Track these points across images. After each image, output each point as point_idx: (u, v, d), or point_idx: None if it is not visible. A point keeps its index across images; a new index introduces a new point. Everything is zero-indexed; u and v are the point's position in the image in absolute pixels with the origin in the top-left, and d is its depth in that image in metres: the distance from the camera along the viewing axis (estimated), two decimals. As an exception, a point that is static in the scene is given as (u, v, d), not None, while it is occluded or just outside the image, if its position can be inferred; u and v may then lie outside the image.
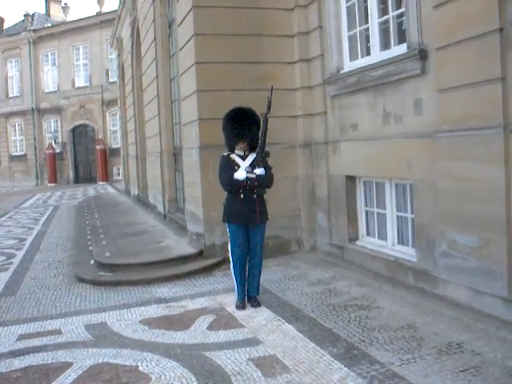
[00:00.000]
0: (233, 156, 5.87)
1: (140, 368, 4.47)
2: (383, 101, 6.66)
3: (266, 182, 5.82)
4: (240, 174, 5.70)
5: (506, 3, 4.77)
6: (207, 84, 8.17)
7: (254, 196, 5.78)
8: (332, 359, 4.41)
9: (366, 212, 7.58)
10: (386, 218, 7.02)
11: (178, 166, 11.49)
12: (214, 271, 7.74)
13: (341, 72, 7.64)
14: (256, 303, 5.96)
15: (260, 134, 5.77)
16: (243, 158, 5.85)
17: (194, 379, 4.19)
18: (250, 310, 5.83)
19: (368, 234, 7.56)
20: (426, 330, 4.94)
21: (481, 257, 5.16)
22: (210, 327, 5.40)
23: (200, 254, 8.23)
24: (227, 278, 7.23)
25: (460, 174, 5.34)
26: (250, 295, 6.01)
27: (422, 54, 5.86)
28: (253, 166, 5.74)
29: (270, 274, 7.26)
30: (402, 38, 6.50)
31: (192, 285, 7.15)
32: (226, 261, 7.85)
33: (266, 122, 5.76)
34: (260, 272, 6.07)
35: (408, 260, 6.37)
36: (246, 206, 5.75)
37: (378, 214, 7.29)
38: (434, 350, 4.49)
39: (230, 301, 6.17)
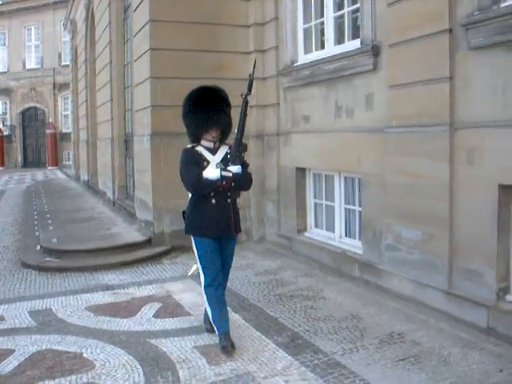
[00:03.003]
0: (199, 149, 4.48)
1: (84, 355, 4.43)
2: (335, 94, 6.74)
3: (245, 182, 4.53)
4: (212, 173, 4.32)
5: (456, 5, 4.89)
6: (161, 71, 8.11)
7: (229, 201, 4.50)
8: (277, 348, 4.47)
9: (315, 204, 7.67)
10: (335, 211, 7.12)
11: (128, 152, 11.38)
12: (163, 259, 7.73)
13: (295, 64, 7.69)
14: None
15: (238, 121, 4.45)
16: (212, 151, 4.50)
17: (138, 366, 4.18)
18: (197, 298, 5.83)
19: (316, 226, 7.65)
20: (369, 321, 5.06)
21: (424, 251, 5.31)
22: (157, 315, 5.39)
23: (148, 242, 8.20)
24: (175, 266, 7.27)
25: (407, 170, 5.46)
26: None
27: (375, 50, 5.96)
28: (225, 161, 4.43)
29: None
30: (356, 33, 6.59)
31: (140, 272, 7.12)
32: (174, 249, 7.93)
33: (245, 105, 4.45)
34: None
35: (354, 252, 6.49)
36: (218, 214, 4.44)
37: (326, 206, 7.38)
38: (376, 339, 4.61)
39: (177, 289, 6.19)
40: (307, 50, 7.67)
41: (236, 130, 4.45)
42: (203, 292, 4.58)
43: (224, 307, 4.59)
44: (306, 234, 7.66)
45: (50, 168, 33.30)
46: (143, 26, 8.42)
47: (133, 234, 8.80)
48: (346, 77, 6.49)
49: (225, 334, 4.48)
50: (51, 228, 9.82)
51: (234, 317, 5.25)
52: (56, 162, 34.10)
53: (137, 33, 8.93)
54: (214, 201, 4.43)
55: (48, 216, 11.35)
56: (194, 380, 3.93)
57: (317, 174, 7.59)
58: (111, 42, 12.17)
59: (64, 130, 34.40)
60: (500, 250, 4.62)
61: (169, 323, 5.14)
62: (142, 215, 8.99)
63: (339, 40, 6.98)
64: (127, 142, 11.62)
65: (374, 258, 6.06)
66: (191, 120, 4.47)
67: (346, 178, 6.93)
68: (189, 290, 6.19)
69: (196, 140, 4.53)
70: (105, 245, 8.18)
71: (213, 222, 4.44)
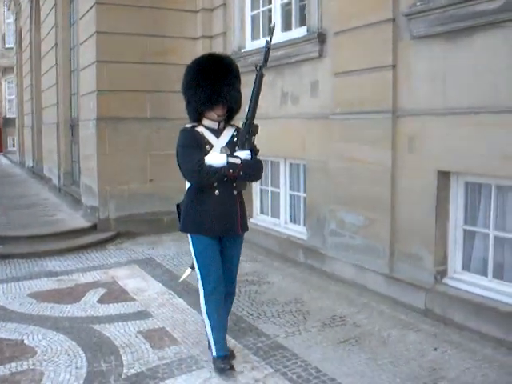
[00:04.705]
0: (201, 130, 3.74)
1: (26, 342, 4.37)
2: (282, 81, 6.78)
3: (254, 171, 3.84)
4: (216, 159, 3.62)
5: (400, -5, 4.99)
6: (107, 55, 8.01)
7: (234, 193, 3.80)
8: (220, 332, 4.50)
9: (261, 190, 7.71)
10: (280, 197, 7.18)
11: (74, 137, 11.19)
12: (108, 245, 7.68)
13: (242, 51, 7.69)
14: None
15: (250, 98, 3.77)
16: (216, 133, 3.79)
17: (81, 352, 4.15)
18: (141, 283, 5.84)
19: (262, 212, 7.70)
20: (312, 305, 5.14)
21: (366, 235, 5.42)
22: (101, 300, 5.36)
23: (94, 228, 8.13)
24: (120, 252, 7.23)
25: (350, 156, 5.56)
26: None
27: (321, 38, 6.02)
28: (231, 145, 3.77)
29: (164, 249, 7.36)
30: (303, 20, 6.64)
31: (84, 258, 7.04)
32: (120, 235, 7.90)
33: (260, 79, 3.77)
34: (231, 306, 4.16)
35: (299, 238, 6.58)
36: (222, 209, 3.74)
37: (272, 192, 7.43)
38: (319, 322, 4.70)
39: (122, 274, 6.17)
40: (255, 37, 7.69)
41: (247, 109, 3.74)
42: (202, 303, 3.85)
43: (226, 322, 4.01)
44: (252, 220, 7.67)
45: (-7, 154, 32.42)
46: (89, 9, 8.27)
47: (78, 220, 8.68)
48: (292, 64, 6.54)
49: (224, 358, 3.80)
50: (-7, 214, 9.60)
51: (178, 301, 5.29)
52: (0, 147, 33.21)
53: (83, 15, 8.78)
54: (217, 192, 3.71)
55: (-10, 202, 11.08)
56: (138, 364, 3.93)
57: (263, 161, 7.56)
58: (57, 24, 11.90)
59: (8, 115, 33.43)
60: (438, 235, 4.76)
61: (113, 308, 5.12)
62: (87, 201, 8.87)
63: (286, 27, 7.02)
64: (73, 127, 11.42)
65: (318, 243, 6.16)
66: (194, 93, 3.68)
67: (291, 165, 7.00)
68: (134, 275, 6.18)
69: (197, 119, 3.78)
70: (49, 231, 8.04)
71: (215, 218, 3.73)
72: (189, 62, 3.79)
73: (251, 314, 4.89)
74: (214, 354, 3.81)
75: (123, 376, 3.75)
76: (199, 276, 3.81)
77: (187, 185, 3.85)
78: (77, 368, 3.89)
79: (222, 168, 3.60)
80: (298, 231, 6.72)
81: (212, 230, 3.74)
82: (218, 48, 8.18)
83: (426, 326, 4.56)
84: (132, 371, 3.82)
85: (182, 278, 4.23)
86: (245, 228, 3.92)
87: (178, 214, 3.94)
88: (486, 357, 3.97)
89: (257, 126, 3.78)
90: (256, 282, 5.84)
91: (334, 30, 5.80)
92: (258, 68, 3.76)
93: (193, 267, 3.99)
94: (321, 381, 3.64)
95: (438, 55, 4.66)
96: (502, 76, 4.12)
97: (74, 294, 5.56)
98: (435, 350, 4.10)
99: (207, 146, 3.69)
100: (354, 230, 5.56)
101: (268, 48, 3.78)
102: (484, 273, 4.57)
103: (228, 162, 3.61)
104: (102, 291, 5.63)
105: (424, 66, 4.81)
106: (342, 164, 5.69)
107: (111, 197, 8.05)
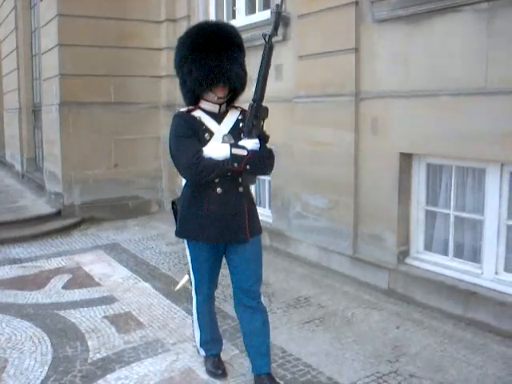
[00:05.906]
0: (199, 114, 3.11)
1: (-12, 330, 4.33)
2: (247, 65, 6.74)
3: (264, 163, 3.08)
4: (218, 150, 2.96)
5: (362, -22, 5.01)
6: (69, 38, 7.87)
7: (240, 190, 3.14)
8: (186, 315, 4.52)
9: (226, 174, 7.69)
10: (246, 181, 7.19)
11: (37, 123, 11.03)
12: (73, 231, 7.60)
13: (206, 34, 7.64)
14: None
15: (258, 74, 3.11)
16: (217, 117, 3.13)
17: (46, 338, 4.13)
18: (107, 269, 5.82)
19: (228, 196, 7.70)
20: (277, 287, 5.19)
21: (330, 218, 5.48)
22: (66, 286, 5.32)
23: (58, 214, 8.03)
24: (85, 238, 7.17)
25: (314, 139, 5.60)
26: (257, 372, 3.32)
27: (285, 21, 6.01)
28: (235, 132, 3.09)
29: (130, 234, 7.33)
30: (266, 3, 6.63)
31: (49, 245, 6.97)
32: (84, 221, 7.84)
33: (269, 51, 3.05)
34: (268, 327, 3.37)
35: (265, 221, 6.57)
36: (225, 210, 3.09)
37: (238, 176, 7.43)
38: (284, 304, 4.75)
39: (87, 260, 6.13)
40: (219, 20, 7.63)
41: (254, 88, 3.10)
42: (194, 310, 3.52)
43: (217, 327, 3.66)
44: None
45: (-47, 140, 31.69)
46: (50, -9, 8.13)
47: (42, 207, 8.57)
48: (257, 47, 6.43)
49: (214, 357, 3.57)
50: (-46, 202, 9.41)
51: (144, 286, 5.29)
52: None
53: (43, -3, 8.62)
54: (219, 189, 3.06)
55: (-49, 190, 10.86)
56: (104, 348, 3.93)
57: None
58: (16, 6, 11.67)
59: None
60: (401, 216, 4.84)
61: (78, 294, 5.09)
62: (51, 187, 8.77)
63: (250, 10, 7.00)
64: (35, 112, 11.25)
65: (283, 226, 6.21)
66: (189, 72, 3.05)
67: (256, 148, 6.99)
68: (99, 260, 6.16)
69: (194, 102, 3.17)
70: (12, 218, 7.92)
71: (217, 222, 3.09)
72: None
73: (217, 297, 4.79)
74: (203, 353, 3.59)
75: (89, 361, 3.74)
76: (193, 284, 3.44)
77: (183, 180, 3.24)
78: (42, 354, 3.87)
79: (224, 161, 2.94)
80: (264, 214, 6.72)
81: (212, 236, 3.13)
82: (182, 31, 8.04)
83: (389, 305, 4.66)
84: (98, 356, 3.82)
85: (178, 286, 3.96)
86: (255, 231, 3.25)
87: (174, 212, 3.38)
88: (446, 333, 4.09)
89: (266, 109, 3.10)
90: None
91: (297, 13, 5.81)
92: (266, 38, 3.01)
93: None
94: (286, 361, 3.70)
95: (400, 38, 4.71)
96: (458, 59, 4.19)
97: (38, 281, 5.51)
98: (398, 328, 4.19)
99: (206, 134, 3.04)
100: (318, 212, 5.62)
101: (279, 13, 3.08)
102: (445, 252, 4.67)
103: (232, 154, 2.93)
104: (67, 277, 5.59)
105: (386, 49, 4.86)
106: (306, 147, 5.72)
107: (76, 182, 7.97)
